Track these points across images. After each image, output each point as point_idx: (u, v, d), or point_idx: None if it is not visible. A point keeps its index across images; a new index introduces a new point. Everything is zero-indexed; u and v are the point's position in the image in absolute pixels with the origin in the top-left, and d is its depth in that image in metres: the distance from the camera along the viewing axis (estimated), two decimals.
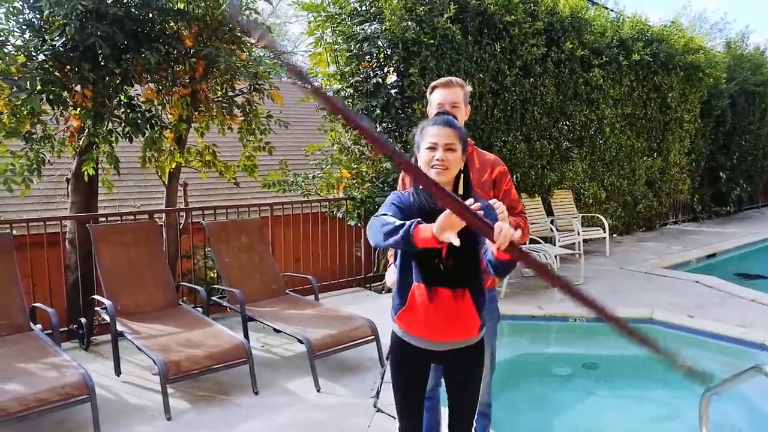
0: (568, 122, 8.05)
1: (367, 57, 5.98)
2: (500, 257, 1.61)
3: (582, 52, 7.77)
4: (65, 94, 4.46)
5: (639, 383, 4.43)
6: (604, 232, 7.82)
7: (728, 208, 11.94)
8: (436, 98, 2.40)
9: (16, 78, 4.11)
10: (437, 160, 1.83)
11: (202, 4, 4.79)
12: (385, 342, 4.05)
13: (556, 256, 5.96)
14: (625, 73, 8.68)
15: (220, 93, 5.24)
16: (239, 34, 5.04)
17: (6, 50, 4.25)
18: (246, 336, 4.10)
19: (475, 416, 2.04)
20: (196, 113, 5.05)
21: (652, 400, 4.14)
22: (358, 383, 3.71)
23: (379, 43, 5.82)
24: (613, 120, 8.65)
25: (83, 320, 4.29)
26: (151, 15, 4.63)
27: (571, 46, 7.57)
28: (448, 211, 1.49)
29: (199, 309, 4.55)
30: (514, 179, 7.33)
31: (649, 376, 4.55)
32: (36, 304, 3.95)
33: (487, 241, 1.54)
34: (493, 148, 6.93)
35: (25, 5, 4.31)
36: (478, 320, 1.94)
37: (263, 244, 5.05)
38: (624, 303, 5.45)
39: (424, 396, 2.06)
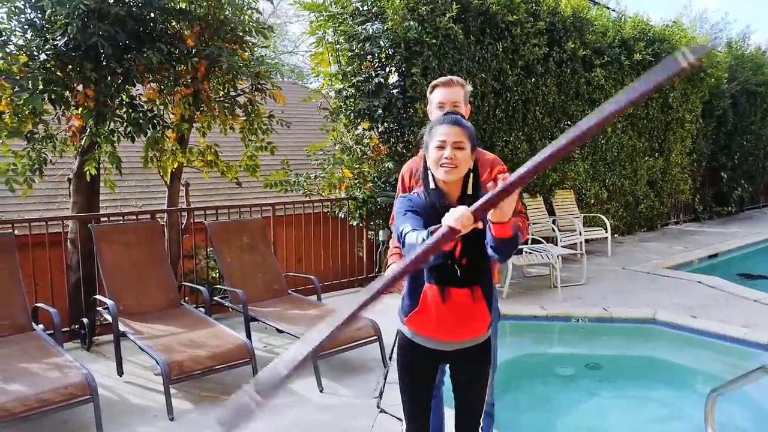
0: (569, 122, 8.03)
1: (369, 57, 5.97)
2: (498, 233, 1.63)
3: (584, 52, 7.76)
4: (67, 93, 4.45)
5: (642, 383, 4.42)
6: (606, 232, 7.80)
7: (729, 208, 11.93)
8: (436, 97, 2.39)
9: (18, 78, 4.10)
10: (446, 158, 1.82)
11: (204, 3, 4.78)
12: (388, 342, 4.05)
13: (558, 256, 5.95)
14: (627, 73, 8.66)
15: (222, 93, 5.24)
16: (241, 33, 5.03)
17: (8, 50, 4.24)
18: (248, 336, 4.08)
19: (482, 416, 2.03)
20: (198, 113, 5.04)
21: (655, 401, 4.13)
22: (361, 384, 3.70)
23: (381, 42, 5.81)
24: (614, 120, 8.63)
25: (85, 320, 4.29)
26: (153, 14, 4.62)
27: (572, 45, 7.56)
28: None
29: (201, 309, 4.55)
30: None
31: (652, 376, 4.54)
32: (38, 304, 3.94)
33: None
34: (495, 148, 6.92)
35: (27, 5, 4.30)
36: (488, 318, 1.94)
37: (265, 244, 5.04)
38: (627, 303, 5.44)
39: (432, 396, 2.05)
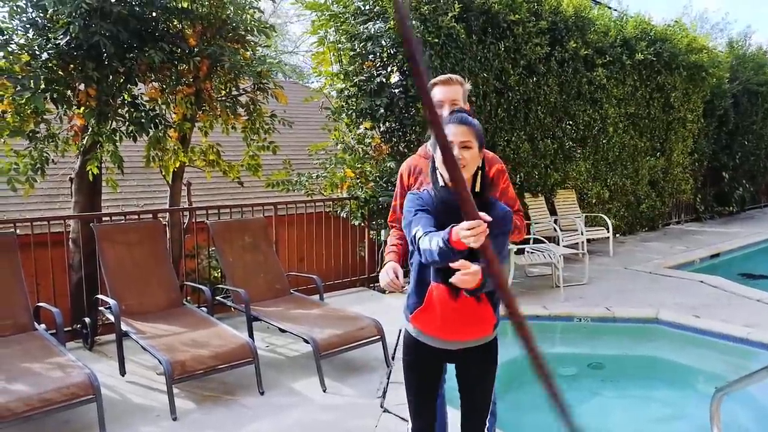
0: (571, 122, 8.03)
1: (371, 56, 5.96)
2: (467, 287, 1.63)
3: (585, 52, 7.75)
4: (69, 93, 4.44)
5: (644, 383, 4.41)
6: (608, 231, 7.80)
7: (731, 208, 11.92)
8: (435, 95, 2.38)
9: (20, 77, 4.10)
10: None
11: (206, 2, 4.78)
12: (391, 342, 4.05)
13: (560, 256, 5.94)
14: (629, 72, 8.66)
15: (224, 92, 5.23)
16: (243, 32, 5.02)
17: (10, 49, 4.24)
18: (251, 336, 4.08)
19: (488, 416, 2.02)
20: (200, 112, 5.04)
21: (658, 400, 4.12)
22: (364, 383, 3.70)
23: (383, 42, 5.80)
24: (616, 120, 8.63)
25: (87, 320, 4.28)
26: (155, 14, 4.61)
27: (574, 45, 7.55)
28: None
29: (203, 309, 4.54)
30: (518, 179, 7.32)
31: (654, 376, 4.53)
32: (40, 304, 3.93)
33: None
34: (497, 147, 6.92)
35: (29, 4, 4.29)
36: (493, 319, 1.93)
37: (267, 244, 5.04)
38: (629, 303, 5.43)
39: (437, 395, 2.04)
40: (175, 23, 4.78)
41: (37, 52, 4.26)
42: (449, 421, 2.55)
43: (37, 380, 2.98)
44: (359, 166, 6.15)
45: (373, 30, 5.80)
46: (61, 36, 4.13)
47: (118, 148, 4.65)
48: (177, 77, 4.75)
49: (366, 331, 3.91)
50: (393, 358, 3.99)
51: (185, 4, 4.70)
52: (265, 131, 5.44)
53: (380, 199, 5.87)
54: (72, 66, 4.38)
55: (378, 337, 3.92)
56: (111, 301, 3.86)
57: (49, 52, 4.22)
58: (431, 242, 1.65)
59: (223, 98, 5.19)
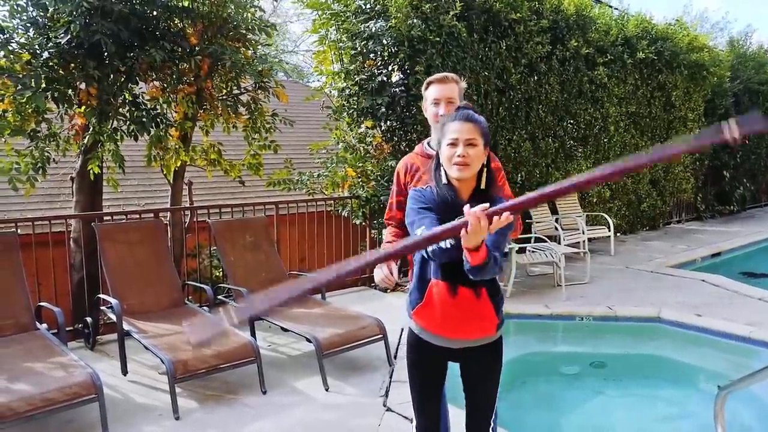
0: (572, 121, 8.02)
1: (372, 55, 5.95)
2: (472, 261, 1.64)
3: (587, 51, 7.74)
4: (70, 92, 4.44)
5: (647, 382, 4.40)
6: (609, 230, 7.79)
7: (731, 207, 11.91)
8: (431, 94, 2.39)
9: (20, 76, 4.10)
10: (458, 156, 1.80)
11: (207, 1, 4.77)
12: (393, 341, 4.04)
13: (562, 255, 5.93)
14: (630, 71, 8.65)
15: (225, 91, 5.23)
16: (244, 31, 5.02)
17: (10, 48, 4.23)
18: (253, 335, 4.07)
19: (493, 416, 2.01)
20: (201, 111, 5.04)
21: (660, 399, 4.12)
22: (366, 382, 3.69)
23: (384, 40, 5.79)
24: (617, 118, 8.62)
25: (89, 319, 4.27)
26: (156, 12, 4.61)
27: (575, 44, 7.55)
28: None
29: (205, 308, 4.54)
30: (519, 178, 7.31)
31: (656, 374, 4.53)
32: (41, 304, 3.92)
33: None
34: (498, 146, 6.91)
35: (29, 3, 4.29)
36: (495, 319, 1.92)
37: (269, 243, 5.03)
38: (631, 302, 5.42)
39: (441, 393, 2.03)
40: (176, 22, 4.77)
41: (38, 51, 4.25)
42: (453, 420, 2.54)
43: (39, 380, 2.97)
44: (360, 165, 6.14)
45: (374, 29, 5.78)
46: (62, 35, 4.13)
47: (119, 147, 4.65)
48: (178, 76, 4.74)
49: (368, 330, 3.91)
50: (395, 357, 3.98)
51: (186, 3, 4.69)
52: (266, 130, 5.44)
53: (381, 198, 5.86)
54: (73, 65, 4.38)
55: (380, 336, 3.91)
56: (113, 301, 3.85)
57: (50, 51, 4.21)
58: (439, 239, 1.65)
59: (224, 97, 5.18)
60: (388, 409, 3.27)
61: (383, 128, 6.05)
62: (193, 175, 6.26)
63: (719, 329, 4.70)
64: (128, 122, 4.68)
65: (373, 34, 5.77)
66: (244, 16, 5.02)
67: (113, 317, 3.87)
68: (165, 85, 4.82)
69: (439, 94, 2.35)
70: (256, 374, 3.56)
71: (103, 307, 4.31)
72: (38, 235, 4.40)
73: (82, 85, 4.41)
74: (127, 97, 4.70)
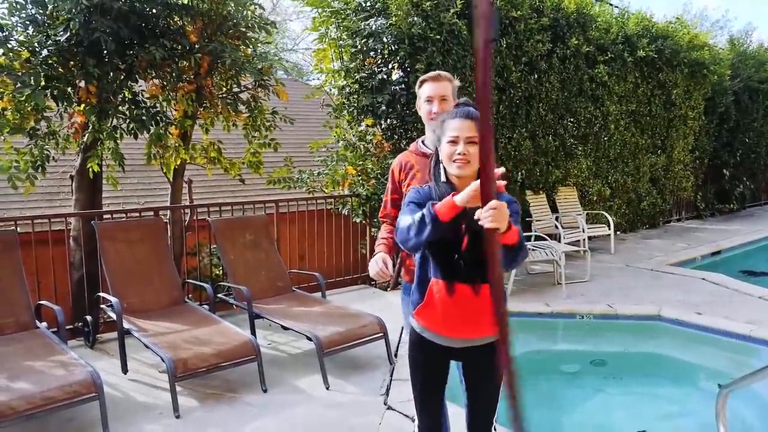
0: (572, 119, 8.01)
1: (372, 53, 5.94)
2: (504, 240, 1.66)
3: (587, 49, 7.73)
4: (69, 89, 4.43)
5: (647, 380, 4.41)
6: (609, 229, 7.79)
7: (731, 205, 11.91)
8: (425, 92, 2.41)
9: (19, 74, 4.08)
10: (459, 154, 1.80)
11: None
12: (393, 339, 4.04)
13: (562, 253, 5.93)
14: (630, 69, 8.64)
15: (225, 89, 5.21)
16: (244, 29, 5.00)
17: (9, 46, 4.22)
18: (253, 333, 4.07)
19: (495, 415, 2.01)
20: (201, 109, 5.02)
21: (661, 397, 4.12)
22: (367, 381, 3.69)
23: (384, 38, 5.77)
24: (617, 117, 8.62)
25: (89, 318, 4.26)
26: (155, 10, 4.59)
27: (576, 42, 7.53)
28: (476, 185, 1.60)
29: (205, 306, 4.53)
30: (519, 176, 7.30)
31: (657, 373, 4.53)
32: (41, 302, 3.92)
33: None
34: (499, 144, 6.90)
35: (28, 0, 4.27)
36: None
37: (269, 241, 5.02)
38: (631, 300, 5.42)
39: (444, 393, 2.02)
40: (175, 19, 4.76)
41: (37, 49, 4.24)
42: (452, 420, 2.53)
43: (40, 378, 2.97)
44: (361, 163, 6.13)
45: (374, 26, 5.77)
46: (61, 32, 4.11)
47: (118, 145, 4.64)
48: (178, 74, 4.73)
49: (368, 329, 3.90)
50: (396, 356, 3.98)
51: (186, 0, 4.68)
52: (266, 128, 5.43)
53: (382, 196, 5.82)
54: (72, 63, 4.36)
55: (381, 334, 3.91)
56: (112, 299, 3.85)
57: (49, 48, 4.19)
58: (413, 214, 1.73)
59: (224, 95, 5.17)
60: (389, 408, 3.27)
61: (383, 126, 6.04)
62: (193, 173, 6.25)
63: (720, 327, 4.70)
64: (128, 120, 4.66)
65: (374, 31, 5.76)
66: (244, 13, 5.00)
67: (113, 315, 3.87)
68: (165, 83, 4.80)
69: (433, 92, 2.37)
70: (256, 373, 3.56)
71: (103, 306, 4.30)
72: (38, 233, 4.39)
73: (82, 83, 4.40)
74: (126, 95, 4.69)
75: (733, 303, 5.33)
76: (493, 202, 1.52)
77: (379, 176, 6.02)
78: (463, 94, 2.35)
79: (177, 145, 5.00)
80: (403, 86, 5.93)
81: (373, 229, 6.15)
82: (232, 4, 4.90)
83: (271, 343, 4.39)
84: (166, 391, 3.31)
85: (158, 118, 4.75)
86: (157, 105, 4.87)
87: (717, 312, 4.99)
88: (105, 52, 4.29)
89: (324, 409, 3.33)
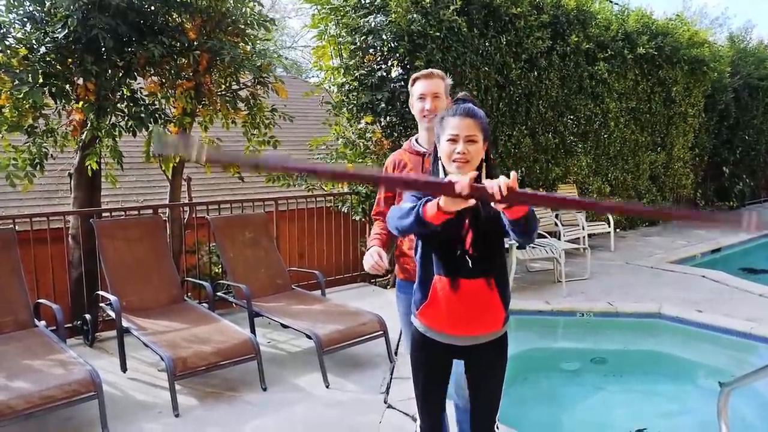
0: (572, 116, 8.00)
1: (372, 50, 5.91)
2: (512, 215, 1.60)
3: (587, 46, 7.71)
4: (68, 87, 4.40)
5: (647, 378, 4.40)
6: (609, 226, 7.78)
7: (731, 202, 11.91)
8: (417, 89, 2.40)
9: (17, 71, 4.06)
10: (458, 153, 1.78)
11: None
12: (394, 337, 4.02)
13: (562, 251, 5.92)
14: (630, 66, 8.62)
15: (224, 86, 5.19)
16: (243, 26, 4.98)
17: (7, 43, 4.19)
18: (253, 332, 4.05)
19: (497, 413, 1.99)
20: (199, 107, 5.00)
21: (661, 395, 4.11)
22: (367, 379, 3.67)
23: (384, 36, 5.75)
24: (617, 114, 8.60)
25: (88, 316, 4.25)
26: (154, 7, 4.57)
27: (576, 39, 7.51)
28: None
29: (204, 304, 4.52)
30: (519, 173, 7.28)
31: (657, 370, 4.52)
32: (40, 301, 3.90)
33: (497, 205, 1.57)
34: (498, 142, 6.89)
35: None
36: (503, 312, 1.90)
37: (268, 239, 5.01)
38: (632, 298, 5.42)
39: (446, 392, 2.01)
40: (174, 16, 4.73)
41: (35, 46, 4.21)
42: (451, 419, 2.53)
43: (38, 377, 2.95)
44: (360, 160, 6.11)
45: (373, 23, 5.75)
46: (59, 29, 4.08)
47: (117, 143, 4.62)
48: (176, 71, 4.70)
49: (368, 327, 3.89)
50: (396, 354, 3.97)
51: None
52: (265, 126, 5.41)
53: None
54: (70, 60, 4.33)
55: (381, 332, 3.90)
56: (111, 298, 3.83)
57: (47, 45, 4.17)
58: (403, 206, 1.70)
59: (223, 92, 5.14)
60: (389, 406, 3.26)
61: (383, 124, 6.02)
62: (192, 171, 6.23)
63: (720, 325, 4.69)
64: (126, 118, 4.64)
65: (373, 28, 5.74)
66: (243, 10, 4.98)
67: (112, 314, 3.85)
68: (163, 81, 4.78)
69: (425, 90, 2.37)
70: (256, 371, 3.55)
71: (102, 304, 4.29)
72: (36, 231, 4.37)
73: (80, 81, 4.37)
74: (125, 92, 4.66)
75: (734, 300, 5.33)
76: (489, 188, 1.47)
77: None
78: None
79: None
80: (402, 83, 5.91)
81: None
82: (231, 1, 4.88)
83: (271, 342, 4.38)
84: (166, 390, 3.30)
85: (157, 115, 4.72)
86: (156, 102, 4.84)
87: (717, 309, 4.99)
88: (103, 49, 4.26)
89: (324, 407, 3.32)
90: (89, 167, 4.53)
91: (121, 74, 4.54)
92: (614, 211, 1.56)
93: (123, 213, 4.96)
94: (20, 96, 4.14)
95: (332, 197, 6.22)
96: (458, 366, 2.04)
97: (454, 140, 1.80)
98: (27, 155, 4.49)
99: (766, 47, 12.48)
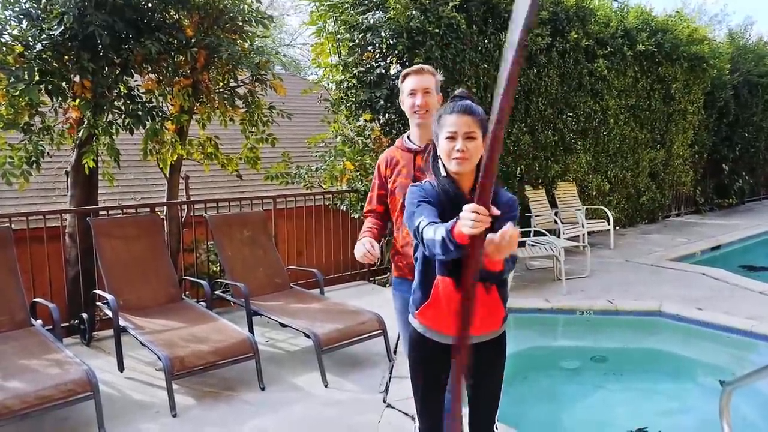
0: (572, 113, 7.97)
1: (370, 47, 5.88)
2: (492, 267, 1.61)
3: (586, 43, 7.68)
4: (64, 84, 4.37)
5: (648, 376, 4.39)
6: (609, 224, 7.76)
7: (730, 200, 11.89)
8: (408, 85, 2.38)
9: (13, 68, 4.03)
10: (457, 150, 1.75)
11: None
12: (393, 336, 4.00)
13: (561, 249, 5.90)
14: (630, 63, 8.59)
15: (221, 84, 5.15)
16: (241, 23, 4.94)
17: (3, 40, 4.15)
18: (251, 331, 4.04)
19: (497, 413, 1.97)
20: (197, 104, 4.97)
21: (661, 393, 4.10)
22: (366, 378, 3.65)
23: (383, 33, 5.72)
24: (617, 111, 8.57)
25: (85, 315, 4.22)
26: (151, 3, 4.54)
27: (575, 36, 7.48)
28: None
29: (202, 303, 4.49)
30: (518, 171, 7.27)
31: (657, 368, 4.51)
32: (36, 300, 3.88)
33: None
34: None
35: None
36: (503, 312, 1.88)
37: (267, 238, 4.98)
38: (632, 295, 5.40)
39: (445, 393, 1.99)
40: (171, 13, 4.70)
41: (31, 43, 4.18)
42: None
43: (34, 377, 2.93)
44: (359, 158, 6.08)
45: (372, 20, 5.71)
46: (55, 26, 4.05)
47: (114, 140, 4.59)
48: (174, 68, 4.67)
49: (367, 326, 3.87)
50: (395, 352, 3.95)
51: None
52: (263, 123, 5.38)
53: None
54: (67, 57, 4.30)
55: (380, 331, 3.88)
56: (108, 297, 3.81)
57: (43, 42, 4.14)
58: (435, 233, 1.61)
59: (221, 90, 5.11)
60: (389, 406, 3.24)
61: (382, 121, 6.00)
62: (190, 169, 6.19)
63: (720, 323, 4.68)
64: (123, 115, 4.61)
65: (372, 25, 5.71)
66: (241, 7, 4.94)
67: (109, 313, 3.83)
68: (161, 78, 4.75)
69: (416, 85, 2.35)
70: (254, 370, 3.52)
71: (99, 303, 4.27)
72: (33, 230, 4.34)
73: (77, 78, 4.34)
74: (122, 89, 4.63)
75: (734, 298, 5.31)
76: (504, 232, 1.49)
77: None
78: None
79: (173, 140, 4.94)
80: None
81: None
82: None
83: (269, 341, 4.36)
84: (163, 390, 3.27)
85: (154, 113, 4.69)
86: (153, 100, 4.81)
87: (717, 307, 4.97)
88: (100, 46, 4.23)
89: (322, 407, 3.30)
90: (86, 165, 4.50)
91: (118, 71, 4.51)
92: None
93: (120, 211, 4.93)
94: (16, 93, 4.11)
95: (331, 195, 6.20)
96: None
97: (452, 138, 1.78)
98: (23, 153, 4.46)
99: (766, 44, 12.45)
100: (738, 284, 5.76)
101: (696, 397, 4.07)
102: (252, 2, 5.07)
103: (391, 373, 3.68)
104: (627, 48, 8.37)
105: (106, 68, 4.40)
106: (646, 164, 9.42)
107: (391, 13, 5.58)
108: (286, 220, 5.89)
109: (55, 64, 4.29)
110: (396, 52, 5.80)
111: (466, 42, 6.21)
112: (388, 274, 5.63)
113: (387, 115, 5.95)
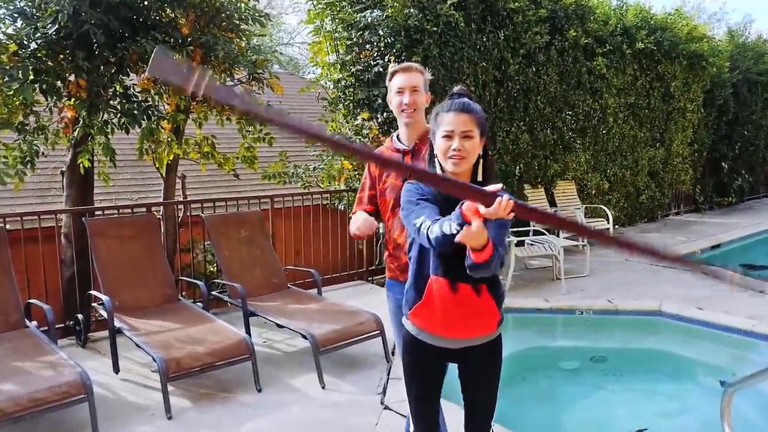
0: (571, 112, 7.94)
1: (368, 45, 5.85)
2: (477, 258, 1.57)
3: (585, 41, 7.65)
4: (59, 83, 4.34)
5: (647, 376, 4.36)
6: (608, 223, 7.73)
7: (730, 198, 11.87)
8: (395, 83, 2.34)
9: (7, 67, 4.00)
10: (454, 150, 1.72)
11: None
12: (390, 337, 3.97)
13: (561, 248, 5.87)
14: (629, 62, 8.57)
15: (218, 82, 5.11)
16: (237, 21, 4.91)
17: None
18: (248, 332, 4.00)
19: (494, 415, 1.94)
20: (193, 103, 4.93)
21: (661, 393, 4.08)
22: (364, 379, 3.62)
23: (380, 31, 5.69)
24: (616, 110, 8.55)
25: (80, 316, 4.19)
26: (146, 2, 4.50)
27: (574, 34, 7.45)
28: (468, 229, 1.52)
29: (199, 304, 4.45)
30: (517, 170, 7.24)
31: (657, 368, 4.49)
32: (31, 301, 3.84)
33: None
34: (496, 138, 6.83)
35: None
36: (497, 315, 1.85)
37: (264, 237, 4.95)
38: (631, 295, 5.37)
39: (440, 396, 1.95)
40: (167, 11, 4.67)
41: (26, 42, 4.15)
42: (452, 420, 2.47)
43: (28, 379, 2.90)
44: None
45: (370, 19, 5.68)
46: (50, 25, 4.02)
47: (110, 140, 4.55)
48: None
49: (365, 326, 3.84)
50: (393, 354, 3.92)
51: None
52: (260, 122, 5.34)
53: None
54: (61, 56, 4.27)
55: (378, 331, 3.85)
56: (104, 297, 3.77)
57: (38, 41, 4.10)
58: (442, 227, 1.58)
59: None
60: (386, 407, 3.21)
61: (380, 120, 5.96)
62: (187, 168, 6.16)
63: (721, 323, 4.66)
64: (119, 115, 4.58)
65: (369, 24, 5.68)
66: (237, 5, 4.91)
67: (105, 314, 3.79)
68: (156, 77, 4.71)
69: (404, 83, 2.31)
70: (250, 372, 3.49)
71: (94, 304, 4.23)
72: (28, 230, 4.31)
73: (72, 77, 4.30)
74: (117, 88, 4.59)
75: (734, 297, 5.29)
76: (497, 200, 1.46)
77: None
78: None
79: (169, 139, 4.91)
80: None
81: None
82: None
83: (266, 342, 4.33)
84: (158, 392, 3.24)
85: (150, 112, 4.66)
86: (149, 99, 4.78)
87: (717, 307, 4.95)
88: (95, 44, 4.20)
89: (320, 408, 3.27)
90: (81, 165, 4.47)
91: (113, 70, 4.48)
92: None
93: (116, 211, 4.89)
94: (10, 93, 4.08)
95: (328, 194, 6.16)
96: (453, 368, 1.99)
97: (449, 136, 1.74)
98: (18, 153, 4.43)
99: (765, 42, 12.42)
100: (738, 283, 5.72)
101: (696, 398, 4.04)
102: (248, 1, 5.03)
103: (389, 375, 3.65)
104: (626, 46, 8.34)
105: (102, 67, 4.37)
106: (646, 163, 9.40)
107: (389, 11, 5.55)
108: (283, 220, 5.85)
109: (49, 62, 4.25)
110: (394, 50, 5.77)
111: (464, 40, 6.18)
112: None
113: (385, 113, 5.92)
